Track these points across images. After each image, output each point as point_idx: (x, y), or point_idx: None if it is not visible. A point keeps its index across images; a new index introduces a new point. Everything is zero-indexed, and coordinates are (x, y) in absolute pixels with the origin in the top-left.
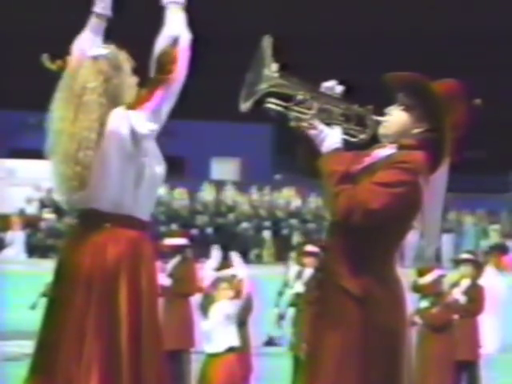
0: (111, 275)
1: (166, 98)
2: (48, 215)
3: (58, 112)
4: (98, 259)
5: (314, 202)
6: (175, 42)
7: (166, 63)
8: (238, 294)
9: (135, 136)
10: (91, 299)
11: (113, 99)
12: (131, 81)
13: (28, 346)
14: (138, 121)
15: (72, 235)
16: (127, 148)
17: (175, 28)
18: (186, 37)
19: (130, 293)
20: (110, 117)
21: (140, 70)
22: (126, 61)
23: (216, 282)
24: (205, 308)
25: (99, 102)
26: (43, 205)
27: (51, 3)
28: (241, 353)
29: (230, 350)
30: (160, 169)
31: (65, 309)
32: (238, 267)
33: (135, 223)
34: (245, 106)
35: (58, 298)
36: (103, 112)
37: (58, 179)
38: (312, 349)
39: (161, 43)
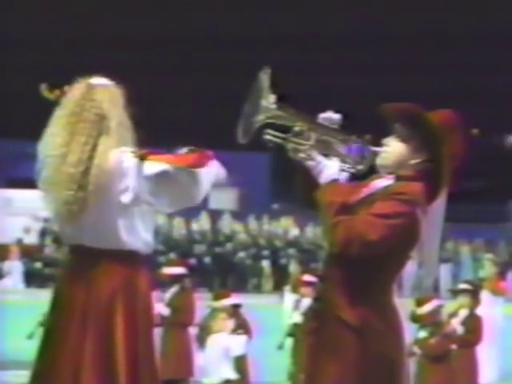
0: (106, 308)
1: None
2: (49, 243)
3: (61, 137)
4: (92, 293)
5: (312, 231)
6: (210, 157)
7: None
8: (247, 332)
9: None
10: (87, 333)
11: (126, 129)
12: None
13: (26, 376)
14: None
15: (66, 269)
16: (120, 188)
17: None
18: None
19: (126, 326)
20: (113, 154)
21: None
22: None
23: (213, 313)
24: (202, 339)
25: (118, 130)
26: (44, 233)
27: (51, 34)
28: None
29: (227, 382)
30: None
31: (60, 342)
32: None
33: (129, 257)
34: (243, 138)
35: (53, 330)
36: (119, 139)
37: (55, 204)
38: (310, 379)
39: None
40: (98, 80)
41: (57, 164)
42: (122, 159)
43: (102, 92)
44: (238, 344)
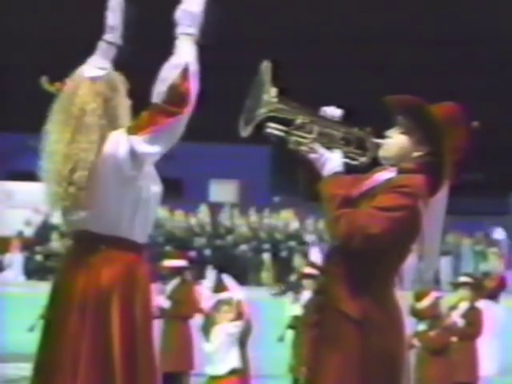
0: (105, 298)
1: (174, 128)
2: (56, 238)
3: (54, 134)
4: (92, 282)
5: (312, 224)
6: (184, 73)
7: (177, 95)
8: (238, 316)
9: (135, 158)
10: (85, 322)
11: (111, 121)
12: (126, 103)
13: (26, 369)
14: (139, 143)
15: (67, 257)
16: (125, 171)
17: (184, 58)
18: (194, 68)
19: (124, 316)
20: (108, 139)
21: (133, 93)
22: (121, 82)
23: (217, 305)
24: (206, 330)
25: (99, 123)
26: (45, 226)
27: (52, 29)
28: (242, 375)
29: (232, 372)
30: (157, 190)
31: (60, 331)
32: (234, 289)
33: (131, 246)
34: (245, 131)
35: (53, 320)
36: (102, 134)
37: (50, 199)
38: (312, 372)
39: (168, 72)
40: (97, 71)
41: (50, 161)
42: (115, 141)
43: (86, 86)
44: (233, 329)
